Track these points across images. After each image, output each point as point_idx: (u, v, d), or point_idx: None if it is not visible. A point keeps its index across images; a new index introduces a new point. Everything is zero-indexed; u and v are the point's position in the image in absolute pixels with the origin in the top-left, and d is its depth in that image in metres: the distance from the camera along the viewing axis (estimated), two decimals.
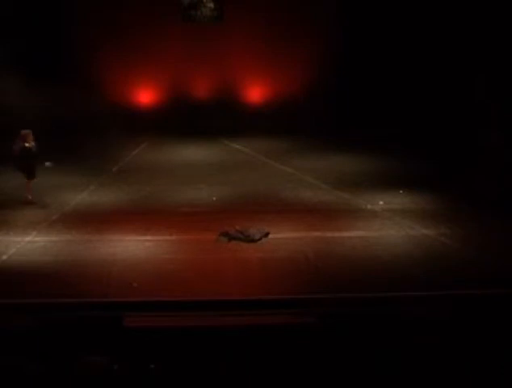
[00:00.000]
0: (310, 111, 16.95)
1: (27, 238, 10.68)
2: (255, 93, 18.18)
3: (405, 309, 8.04)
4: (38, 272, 9.48)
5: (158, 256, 10.11)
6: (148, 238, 10.71)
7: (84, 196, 12.64)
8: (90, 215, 11.75)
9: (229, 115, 17.19)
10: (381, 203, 12.24)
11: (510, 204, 11.58)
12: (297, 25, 17.34)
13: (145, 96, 18.03)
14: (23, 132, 12.08)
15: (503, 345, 6.46)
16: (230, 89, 17.81)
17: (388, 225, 11.28)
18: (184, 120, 17.21)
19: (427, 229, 11.00)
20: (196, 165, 14.96)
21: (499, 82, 14.21)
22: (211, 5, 17.67)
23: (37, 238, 10.71)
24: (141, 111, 17.76)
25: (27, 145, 11.99)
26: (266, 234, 10.72)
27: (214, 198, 12.65)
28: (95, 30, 16.98)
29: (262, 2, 17.34)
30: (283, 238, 10.68)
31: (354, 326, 7.16)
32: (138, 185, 13.41)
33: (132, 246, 10.42)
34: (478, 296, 8.61)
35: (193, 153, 15.98)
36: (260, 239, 10.60)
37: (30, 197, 12.18)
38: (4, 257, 10.02)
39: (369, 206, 12.14)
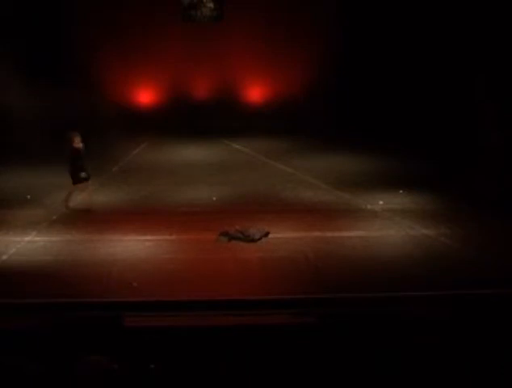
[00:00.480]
0: (310, 111, 16.96)
1: (27, 238, 10.68)
2: (255, 93, 18.20)
3: (405, 309, 8.04)
4: (38, 272, 9.47)
5: (158, 256, 10.11)
6: (149, 238, 10.72)
7: (84, 196, 12.62)
8: (90, 215, 11.75)
9: (229, 115, 17.22)
10: (381, 203, 12.25)
11: (510, 204, 11.58)
12: (297, 25, 17.36)
13: (145, 96, 18.05)
14: (71, 133, 11.61)
15: (503, 345, 6.45)
16: (230, 89, 17.84)
17: (388, 225, 11.28)
18: (184, 120, 17.24)
19: (427, 229, 11.00)
20: (196, 165, 14.97)
21: (499, 82, 14.20)
22: (211, 5, 17.69)
23: (37, 238, 10.71)
24: (141, 111, 17.78)
25: (75, 146, 11.56)
26: (266, 234, 10.72)
27: (214, 198, 12.65)
28: (95, 30, 17.01)
29: (262, 2, 17.35)
30: (283, 238, 10.68)
31: (354, 326, 7.16)
32: (138, 185, 13.43)
33: (132, 246, 10.42)
34: (478, 296, 8.60)
35: (193, 153, 15.99)
36: (260, 239, 10.59)
37: (69, 204, 11.91)
38: (4, 257, 10.02)
39: (369, 206, 12.14)
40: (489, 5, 14.38)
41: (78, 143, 11.59)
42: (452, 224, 11.13)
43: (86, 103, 15.97)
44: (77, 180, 11.76)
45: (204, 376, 5.99)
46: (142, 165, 14.91)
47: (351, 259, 9.92)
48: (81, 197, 12.39)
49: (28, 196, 12.53)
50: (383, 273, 9.36)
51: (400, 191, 12.83)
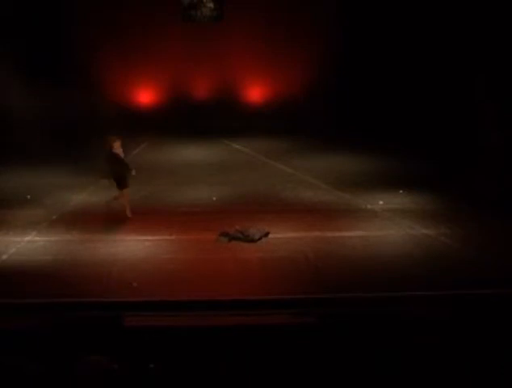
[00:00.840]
0: (310, 111, 16.96)
1: (27, 238, 10.68)
2: (255, 93, 18.19)
3: (405, 309, 8.04)
4: (38, 272, 9.48)
5: (158, 256, 10.11)
6: (149, 238, 10.72)
7: (84, 196, 12.64)
8: (90, 215, 11.75)
9: (229, 115, 17.21)
10: (381, 203, 12.25)
11: (510, 204, 11.58)
12: (297, 25, 17.35)
13: (145, 96, 18.05)
14: (110, 138, 11.29)
15: (503, 345, 6.45)
16: (230, 89, 17.83)
17: (388, 225, 11.28)
18: (184, 120, 17.23)
19: (427, 229, 11.00)
20: (196, 165, 14.97)
21: (499, 82, 14.20)
22: (211, 5, 17.68)
23: (37, 238, 10.72)
24: (141, 111, 17.78)
25: (113, 151, 11.23)
26: (266, 234, 10.73)
27: (214, 198, 12.65)
28: (95, 30, 17.00)
29: (262, 2, 17.34)
30: (283, 238, 10.68)
31: (354, 326, 7.16)
32: (138, 185, 13.38)
33: (132, 246, 10.43)
34: (478, 296, 8.60)
35: (193, 153, 15.99)
36: (260, 239, 10.60)
37: (110, 205, 11.63)
38: (4, 257, 10.03)
39: (369, 206, 12.14)
40: (489, 5, 14.38)
41: (118, 148, 11.28)
42: (452, 224, 11.13)
43: (86, 103, 15.96)
44: (123, 185, 11.52)
45: (204, 376, 5.99)
46: (142, 165, 14.87)
47: (351, 259, 9.92)
48: (80, 197, 12.40)
49: (28, 196, 12.53)
50: (383, 273, 9.36)
51: (400, 191, 12.83)
